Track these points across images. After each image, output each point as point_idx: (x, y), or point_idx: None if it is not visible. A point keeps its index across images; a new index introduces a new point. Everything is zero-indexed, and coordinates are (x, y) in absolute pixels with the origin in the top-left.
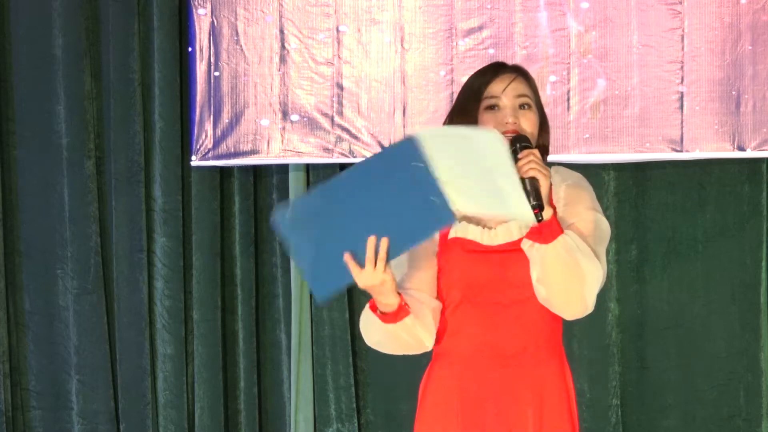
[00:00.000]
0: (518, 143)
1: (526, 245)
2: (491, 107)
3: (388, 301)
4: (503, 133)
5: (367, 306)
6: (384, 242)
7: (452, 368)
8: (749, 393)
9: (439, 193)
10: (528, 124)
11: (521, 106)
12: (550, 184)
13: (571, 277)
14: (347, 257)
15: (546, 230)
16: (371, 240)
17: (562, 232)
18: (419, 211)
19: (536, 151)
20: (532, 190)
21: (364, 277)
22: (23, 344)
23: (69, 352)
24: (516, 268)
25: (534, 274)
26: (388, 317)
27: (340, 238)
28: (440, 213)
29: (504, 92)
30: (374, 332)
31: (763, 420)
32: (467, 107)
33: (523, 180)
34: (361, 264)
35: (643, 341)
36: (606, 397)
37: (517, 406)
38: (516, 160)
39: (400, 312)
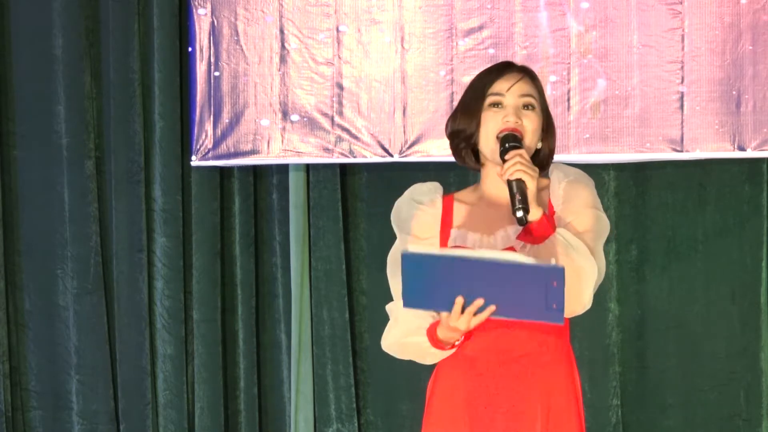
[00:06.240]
0: (507, 143)
1: (519, 246)
2: (494, 105)
3: (455, 336)
4: (501, 130)
5: (401, 316)
6: (490, 308)
7: (459, 370)
8: (749, 393)
9: (561, 303)
10: (530, 125)
11: (525, 107)
12: (547, 185)
13: (565, 276)
14: (460, 299)
15: (537, 230)
16: (480, 300)
17: (553, 231)
18: (535, 305)
19: (523, 152)
20: (518, 192)
21: (458, 321)
22: (23, 344)
23: (69, 352)
24: None
25: None
26: (441, 345)
27: (454, 285)
28: (553, 315)
29: (509, 91)
30: (411, 347)
31: (763, 420)
32: (471, 105)
33: (509, 182)
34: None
35: (643, 341)
36: (606, 397)
37: (525, 406)
38: (503, 160)
39: (453, 346)
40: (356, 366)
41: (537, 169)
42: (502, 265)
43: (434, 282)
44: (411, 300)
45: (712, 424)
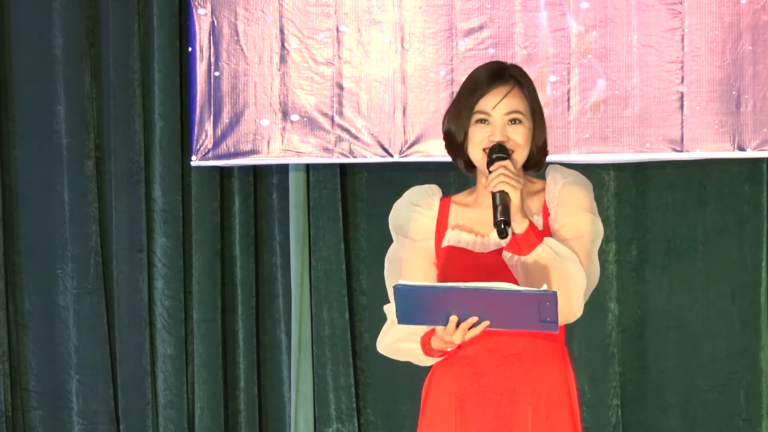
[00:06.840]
0: (493, 154)
1: (507, 257)
2: (481, 121)
3: (448, 347)
4: (486, 148)
5: (397, 325)
6: (485, 322)
7: (453, 369)
8: (749, 393)
9: (554, 317)
10: (518, 139)
11: (511, 122)
12: (543, 188)
13: (553, 285)
14: (454, 318)
15: (522, 242)
16: (474, 318)
17: (539, 242)
18: (529, 321)
19: (508, 163)
20: (500, 204)
21: (452, 335)
22: (23, 344)
23: (69, 352)
24: (509, 272)
25: (520, 284)
26: (434, 354)
27: (448, 308)
28: (547, 326)
29: (495, 108)
30: (405, 352)
31: (763, 420)
32: (460, 119)
33: (493, 194)
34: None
35: (643, 341)
36: (606, 397)
37: (516, 406)
38: (490, 171)
39: (445, 353)
40: (356, 366)
41: (522, 181)
42: (494, 292)
43: (428, 307)
44: (405, 320)
45: (712, 424)
